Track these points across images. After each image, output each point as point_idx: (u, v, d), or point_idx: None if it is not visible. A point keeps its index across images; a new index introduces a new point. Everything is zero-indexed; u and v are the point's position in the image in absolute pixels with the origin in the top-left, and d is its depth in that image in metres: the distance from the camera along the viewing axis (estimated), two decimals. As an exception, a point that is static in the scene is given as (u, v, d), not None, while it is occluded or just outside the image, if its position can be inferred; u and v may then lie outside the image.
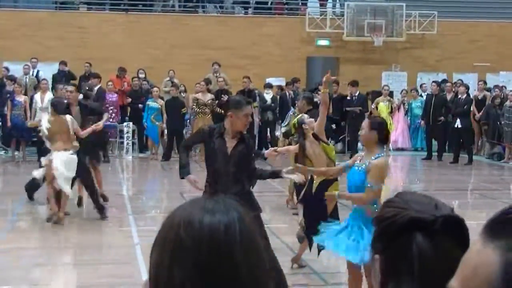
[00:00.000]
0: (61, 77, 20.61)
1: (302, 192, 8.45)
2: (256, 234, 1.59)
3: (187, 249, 1.51)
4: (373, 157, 6.38)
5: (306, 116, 8.91)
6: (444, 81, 23.01)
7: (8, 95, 19.10)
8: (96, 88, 18.22)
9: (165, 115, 19.46)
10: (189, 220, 1.54)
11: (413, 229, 1.62)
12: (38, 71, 21.34)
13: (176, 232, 1.53)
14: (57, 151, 10.74)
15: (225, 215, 1.55)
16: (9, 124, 18.72)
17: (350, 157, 20.17)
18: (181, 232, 1.53)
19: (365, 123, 6.58)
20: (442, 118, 20.18)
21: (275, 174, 7.24)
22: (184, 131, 20.26)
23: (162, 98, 19.92)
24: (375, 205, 6.22)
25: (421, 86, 23.72)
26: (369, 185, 6.29)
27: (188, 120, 20.10)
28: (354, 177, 6.44)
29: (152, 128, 19.57)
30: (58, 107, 11.12)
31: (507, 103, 19.79)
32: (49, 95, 18.41)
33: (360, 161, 6.50)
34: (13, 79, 20.01)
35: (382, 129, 6.50)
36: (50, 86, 19.80)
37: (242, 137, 6.79)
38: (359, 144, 21.20)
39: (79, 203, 11.73)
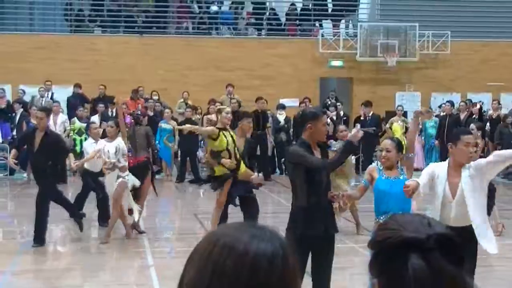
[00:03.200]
0: (76, 100, 20.78)
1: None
2: (297, 269, 1.58)
3: (228, 272, 1.49)
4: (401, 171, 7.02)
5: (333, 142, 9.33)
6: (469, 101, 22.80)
7: (23, 118, 19.30)
8: (113, 110, 18.45)
9: (177, 137, 19.51)
10: (233, 244, 1.53)
11: (407, 249, 1.60)
12: (52, 94, 21.50)
13: (219, 254, 1.52)
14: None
15: (270, 244, 1.54)
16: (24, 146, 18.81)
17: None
18: (224, 255, 1.51)
19: (391, 145, 6.91)
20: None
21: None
22: (198, 152, 20.32)
23: (175, 120, 19.99)
24: None
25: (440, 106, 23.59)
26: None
27: (202, 141, 20.15)
28: (398, 187, 6.65)
29: (165, 150, 19.62)
30: None
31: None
32: (61, 117, 18.56)
33: (387, 176, 6.96)
34: (21, 102, 20.23)
35: (401, 149, 7.11)
36: (66, 108, 19.97)
37: (321, 146, 6.93)
38: (374, 164, 21.18)
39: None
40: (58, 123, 18.44)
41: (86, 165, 12.74)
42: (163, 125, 19.64)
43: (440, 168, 6.53)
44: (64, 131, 18.67)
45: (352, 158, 11.54)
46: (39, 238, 11.01)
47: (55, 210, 13.85)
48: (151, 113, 20.07)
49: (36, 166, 11.44)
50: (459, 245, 1.63)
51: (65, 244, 11.08)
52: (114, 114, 17.92)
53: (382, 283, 1.65)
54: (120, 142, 11.07)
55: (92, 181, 12.61)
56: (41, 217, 11.06)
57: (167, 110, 19.93)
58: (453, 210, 6.47)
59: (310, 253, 6.42)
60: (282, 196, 15.29)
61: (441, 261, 1.59)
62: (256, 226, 1.60)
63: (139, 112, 13.94)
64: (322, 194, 6.55)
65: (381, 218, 6.78)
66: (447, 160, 6.59)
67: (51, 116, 18.73)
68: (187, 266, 1.56)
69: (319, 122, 6.68)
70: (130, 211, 11.39)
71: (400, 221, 1.68)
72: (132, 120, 12.55)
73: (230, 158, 10.17)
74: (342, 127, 12.35)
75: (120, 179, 10.97)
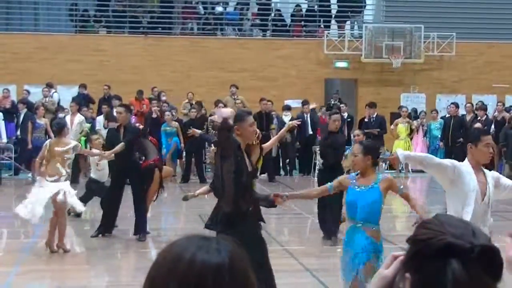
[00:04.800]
0: (80, 100, 20.80)
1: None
2: (248, 282, 1.59)
3: (174, 282, 1.53)
4: (379, 177, 6.58)
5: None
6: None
7: (29, 118, 19.35)
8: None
9: (181, 137, 19.49)
10: (181, 253, 1.57)
11: (449, 254, 1.60)
12: (53, 94, 21.53)
13: (169, 262, 1.56)
14: None
15: (216, 256, 1.56)
16: (30, 146, 18.89)
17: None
18: (173, 264, 1.55)
19: (358, 148, 6.59)
20: (461, 139, 20.10)
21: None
22: (203, 152, 20.33)
23: (179, 121, 19.95)
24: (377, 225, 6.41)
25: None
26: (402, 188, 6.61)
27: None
28: (365, 197, 6.38)
29: (167, 146, 19.56)
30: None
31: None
32: (79, 117, 18.61)
33: (357, 185, 6.47)
34: (25, 102, 20.28)
35: (376, 153, 6.66)
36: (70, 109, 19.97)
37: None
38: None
39: None
40: (75, 123, 18.47)
41: (93, 175, 12.81)
42: (165, 128, 19.61)
43: (464, 167, 6.46)
44: (81, 131, 18.72)
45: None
46: (144, 231, 11.45)
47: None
48: (154, 115, 20.07)
49: (123, 161, 11.36)
50: (500, 259, 1.63)
51: (69, 244, 11.07)
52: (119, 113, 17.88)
53: (415, 280, 1.65)
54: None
55: (97, 187, 12.66)
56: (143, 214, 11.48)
57: (167, 113, 19.86)
58: (480, 209, 6.51)
59: None
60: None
61: (480, 272, 1.59)
62: (205, 237, 1.62)
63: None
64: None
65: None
66: (466, 161, 6.57)
67: (69, 116, 18.77)
68: (144, 281, 1.61)
69: (245, 123, 6.78)
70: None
71: (444, 222, 1.67)
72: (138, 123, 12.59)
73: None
74: (357, 131, 12.37)
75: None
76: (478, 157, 6.47)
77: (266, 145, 9.17)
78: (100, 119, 19.42)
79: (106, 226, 11.61)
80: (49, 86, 21.31)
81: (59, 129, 10.75)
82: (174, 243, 1.61)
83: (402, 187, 6.81)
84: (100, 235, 11.46)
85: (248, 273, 1.60)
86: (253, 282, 1.60)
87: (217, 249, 1.57)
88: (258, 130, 7.04)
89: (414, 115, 23.03)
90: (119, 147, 11.17)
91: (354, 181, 6.49)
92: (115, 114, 18.64)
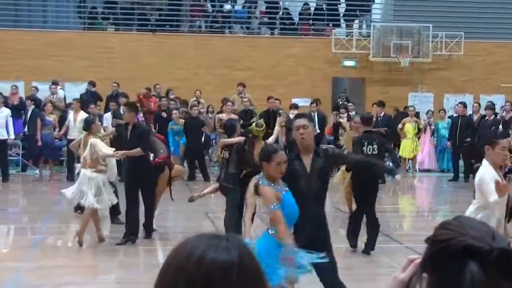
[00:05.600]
0: (88, 97, 20.83)
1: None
2: (258, 281, 1.59)
3: (183, 280, 1.54)
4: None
5: None
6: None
7: (37, 114, 19.40)
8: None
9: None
10: (191, 252, 1.57)
11: (468, 256, 1.60)
12: (58, 90, 21.57)
13: (179, 260, 1.58)
14: None
15: (226, 254, 1.57)
16: (39, 143, 18.94)
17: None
18: (182, 262, 1.57)
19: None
20: (468, 139, 20.06)
21: None
22: (210, 151, 20.33)
23: (185, 119, 19.97)
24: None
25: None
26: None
27: (214, 140, 20.15)
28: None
29: (174, 143, 19.59)
30: None
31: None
32: (82, 115, 18.62)
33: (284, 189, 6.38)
34: (33, 99, 20.33)
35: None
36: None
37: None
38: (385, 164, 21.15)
39: None
40: (78, 120, 18.50)
41: None
42: (172, 126, 19.62)
43: (490, 171, 6.97)
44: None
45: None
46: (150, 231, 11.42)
47: (67, 207, 13.91)
48: (164, 114, 20.03)
49: (136, 164, 11.27)
50: None
51: (77, 241, 11.08)
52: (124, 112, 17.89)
53: (433, 280, 1.65)
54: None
55: None
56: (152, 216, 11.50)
57: (174, 111, 19.87)
58: (499, 210, 7.04)
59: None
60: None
61: (499, 275, 1.58)
62: (216, 236, 1.62)
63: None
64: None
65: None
66: (486, 163, 7.05)
67: (72, 113, 18.81)
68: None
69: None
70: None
71: (465, 224, 1.67)
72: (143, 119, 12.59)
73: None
74: (357, 118, 12.01)
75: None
76: (494, 158, 7.00)
77: (268, 141, 9.30)
78: (108, 116, 19.43)
79: (132, 233, 11.22)
80: (55, 83, 21.33)
81: (87, 125, 11.39)
82: (185, 241, 1.62)
83: None
84: (130, 242, 11.14)
85: (258, 272, 1.60)
86: (263, 282, 1.60)
87: (226, 247, 1.58)
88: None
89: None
90: (135, 151, 10.97)
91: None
92: (121, 111, 18.71)
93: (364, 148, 10.51)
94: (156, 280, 1.61)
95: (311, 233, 6.50)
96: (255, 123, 10.43)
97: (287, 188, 6.33)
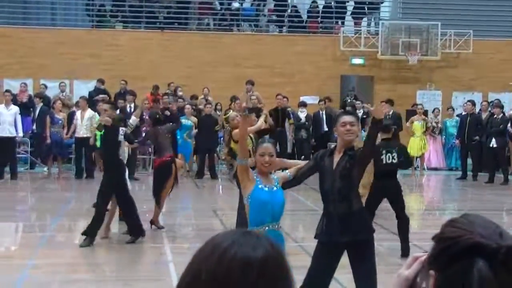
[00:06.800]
0: (97, 95, 20.88)
1: None
2: (280, 281, 1.60)
3: (205, 273, 1.57)
4: (274, 175, 6.45)
5: None
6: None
7: (45, 112, 19.48)
8: (132, 105, 18.61)
9: (194, 131, 19.53)
10: (217, 246, 1.60)
11: (475, 254, 1.60)
12: (65, 91, 21.69)
13: (206, 254, 1.60)
14: None
15: (251, 251, 1.58)
16: (48, 140, 18.99)
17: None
18: (207, 256, 1.60)
19: (273, 148, 6.41)
20: (477, 137, 20.01)
21: None
22: (218, 149, 20.36)
23: (196, 116, 20.01)
24: None
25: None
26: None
27: (222, 138, 20.18)
28: (278, 197, 6.30)
29: (184, 145, 19.66)
30: None
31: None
32: (89, 113, 18.67)
33: (265, 185, 6.26)
34: (41, 96, 20.40)
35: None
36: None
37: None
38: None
39: None
40: (85, 118, 18.56)
41: None
42: (183, 121, 19.64)
43: None
44: (98, 126, 18.75)
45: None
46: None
47: (76, 205, 13.95)
48: (168, 113, 20.03)
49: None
50: None
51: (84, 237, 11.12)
52: (132, 110, 17.98)
53: (441, 278, 1.65)
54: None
55: None
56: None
57: (187, 106, 19.95)
58: None
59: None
60: (301, 193, 15.24)
61: (507, 273, 1.59)
62: (247, 233, 1.64)
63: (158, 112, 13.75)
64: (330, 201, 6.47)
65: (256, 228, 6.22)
66: None
67: (80, 111, 18.86)
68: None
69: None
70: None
71: (473, 222, 1.67)
72: (150, 119, 12.63)
73: (250, 156, 10.20)
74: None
75: None
76: None
77: (251, 128, 9.63)
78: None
79: (137, 229, 11.08)
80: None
81: None
82: (218, 234, 1.66)
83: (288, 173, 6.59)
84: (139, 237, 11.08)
85: (283, 273, 1.61)
86: (287, 284, 1.61)
87: (253, 245, 1.60)
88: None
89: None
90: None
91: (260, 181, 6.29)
92: (127, 109, 18.77)
93: (383, 157, 10.20)
94: (184, 270, 1.64)
95: (344, 231, 6.34)
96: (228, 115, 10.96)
97: (274, 187, 6.26)
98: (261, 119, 10.93)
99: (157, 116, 12.65)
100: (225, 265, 1.56)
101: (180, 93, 21.56)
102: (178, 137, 19.78)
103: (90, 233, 10.62)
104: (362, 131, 12.00)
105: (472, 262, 1.59)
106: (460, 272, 1.60)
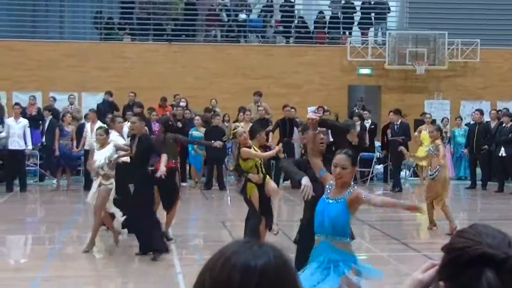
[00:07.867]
0: (105, 107, 20.93)
1: None
2: (283, 285, 1.61)
3: (207, 281, 1.62)
4: (350, 190, 6.07)
5: None
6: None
7: (54, 125, 19.55)
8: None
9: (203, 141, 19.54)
10: (221, 255, 1.63)
11: (484, 264, 1.61)
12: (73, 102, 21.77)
13: (211, 263, 1.64)
14: None
15: (251, 260, 1.60)
16: (57, 153, 19.06)
17: (393, 186, 19.78)
18: (210, 265, 1.64)
19: (347, 160, 6.05)
20: (485, 146, 19.97)
21: None
22: (226, 160, 20.36)
23: (205, 127, 20.03)
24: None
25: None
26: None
27: (230, 149, 20.19)
28: (329, 210, 6.02)
29: (195, 157, 19.69)
30: None
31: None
32: (98, 125, 18.69)
33: (329, 195, 6.10)
34: (50, 109, 20.47)
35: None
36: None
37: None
38: (402, 173, 21.09)
39: None
40: (95, 130, 18.57)
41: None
42: (193, 132, 19.68)
43: None
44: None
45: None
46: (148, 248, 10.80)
47: (85, 217, 13.97)
48: (180, 124, 20.07)
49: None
50: None
51: (93, 250, 11.14)
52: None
53: (449, 287, 1.66)
54: (108, 150, 11.00)
55: None
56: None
57: (197, 118, 20.01)
58: None
59: None
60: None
61: None
62: (251, 242, 1.66)
63: (170, 118, 13.78)
64: None
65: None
66: None
67: (89, 124, 18.88)
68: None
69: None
70: (112, 216, 11.38)
71: (481, 232, 1.69)
72: (160, 126, 12.62)
73: (258, 173, 10.23)
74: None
75: (102, 187, 10.93)
76: None
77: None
78: (124, 127, 19.49)
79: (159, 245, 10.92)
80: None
81: None
82: (227, 244, 1.69)
83: (369, 193, 6.32)
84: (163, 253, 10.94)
85: (285, 283, 1.62)
86: None
87: (255, 254, 1.61)
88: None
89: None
90: (165, 160, 11.03)
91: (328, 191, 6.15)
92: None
93: None
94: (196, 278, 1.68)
95: None
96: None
97: (335, 200, 6.12)
98: (277, 148, 11.60)
99: (170, 122, 12.65)
100: (226, 273, 1.58)
101: (182, 104, 21.55)
102: (190, 149, 19.82)
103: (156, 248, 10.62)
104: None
105: (481, 272, 1.60)
106: (469, 282, 1.61)
